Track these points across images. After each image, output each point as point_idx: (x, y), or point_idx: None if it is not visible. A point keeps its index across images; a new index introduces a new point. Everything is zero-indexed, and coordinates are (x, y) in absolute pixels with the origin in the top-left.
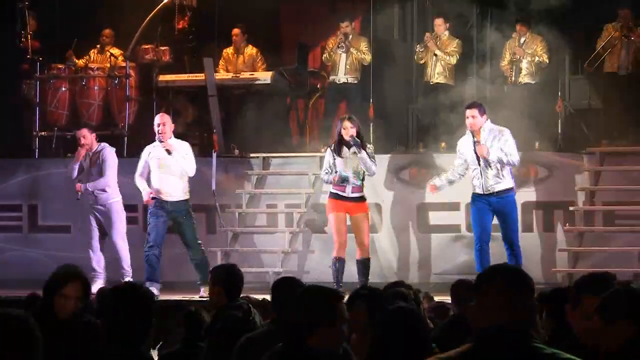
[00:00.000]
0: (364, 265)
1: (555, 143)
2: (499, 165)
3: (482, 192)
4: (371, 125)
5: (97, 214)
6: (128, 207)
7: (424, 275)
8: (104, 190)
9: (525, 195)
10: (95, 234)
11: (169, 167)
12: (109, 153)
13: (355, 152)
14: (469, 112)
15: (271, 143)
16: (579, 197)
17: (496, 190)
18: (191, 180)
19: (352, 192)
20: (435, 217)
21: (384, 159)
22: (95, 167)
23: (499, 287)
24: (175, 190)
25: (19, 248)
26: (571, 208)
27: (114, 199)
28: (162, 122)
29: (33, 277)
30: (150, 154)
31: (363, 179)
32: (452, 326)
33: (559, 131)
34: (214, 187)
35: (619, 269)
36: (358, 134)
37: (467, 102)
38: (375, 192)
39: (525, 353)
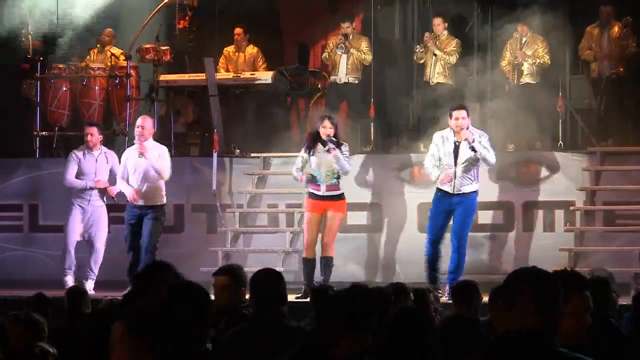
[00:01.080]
0: (325, 264)
1: (556, 143)
2: (472, 167)
3: (451, 192)
4: (372, 124)
5: (86, 213)
6: (120, 209)
7: (424, 275)
8: (98, 194)
9: (526, 194)
10: (78, 233)
11: (143, 170)
12: (112, 156)
13: (328, 150)
14: (458, 114)
15: (272, 143)
16: (579, 197)
17: (465, 191)
18: (192, 180)
19: (326, 191)
20: None
21: (384, 159)
22: (104, 168)
23: (531, 292)
24: (149, 196)
25: (20, 248)
26: (572, 208)
27: (103, 203)
28: (142, 124)
29: (34, 277)
30: (128, 158)
31: (339, 177)
32: (450, 325)
33: (560, 131)
34: (214, 187)
35: (619, 269)
36: (335, 134)
37: (454, 104)
38: (375, 192)
39: (549, 356)
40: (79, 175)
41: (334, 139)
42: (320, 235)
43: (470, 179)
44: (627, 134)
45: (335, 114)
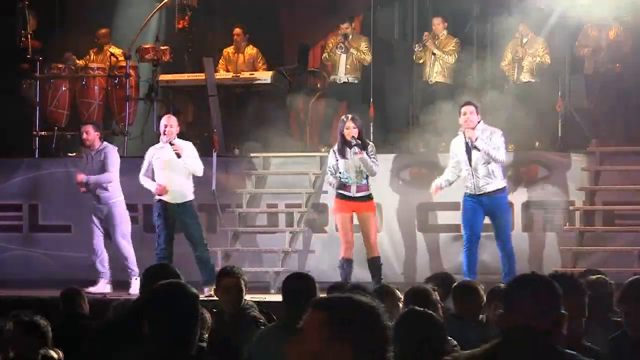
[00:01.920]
0: (373, 264)
1: (556, 142)
2: (488, 165)
3: (473, 193)
4: (371, 124)
5: (99, 213)
6: (128, 207)
7: (423, 274)
8: (106, 190)
9: (526, 194)
10: (98, 233)
11: (175, 168)
12: (112, 151)
13: (356, 153)
14: (465, 109)
15: (271, 143)
16: (579, 197)
17: (487, 190)
18: (192, 179)
19: (357, 192)
20: (436, 217)
21: (384, 159)
22: (98, 165)
23: (529, 295)
24: (180, 191)
25: (20, 248)
26: (571, 208)
27: (117, 198)
28: (169, 123)
29: (34, 277)
30: (155, 155)
31: (367, 178)
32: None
33: (559, 131)
34: (214, 187)
35: (619, 269)
36: (360, 134)
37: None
38: (375, 192)
39: (547, 352)
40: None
41: (359, 141)
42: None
43: (490, 177)
44: (626, 133)
45: (336, 114)
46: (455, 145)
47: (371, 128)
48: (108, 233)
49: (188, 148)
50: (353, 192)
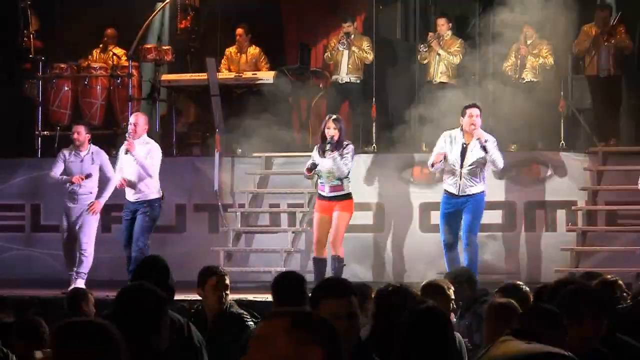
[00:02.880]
0: (334, 264)
1: (558, 143)
2: (477, 169)
3: (456, 193)
4: (373, 124)
5: (71, 213)
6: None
7: (425, 275)
8: (90, 193)
9: (528, 194)
10: (67, 235)
11: (133, 166)
12: (103, 154)
13: (326, 151)
14: (473, 112)
15: (273, 142)
16: (581, 197)
17: (471, 192)
18: (193, 179)
19: (330, 192)
20: (437, 217)
21: (386, 158)
22: (91, 167)
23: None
24: (135, 190)
25: (21, 248)
26: (573, 208)
27: (92, 200)
28: (135, 122)
29: (35, 277)
30: (120, 153)
31: (340, 178)
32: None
33: (562, 131)
34: (216, 187)
35: (621, 269)
36: (340, 135)
37: (468, 103)
38: (377, 192)
39: None
40: (66, 174)
41: (331, 140)
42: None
43: (476, 181)
44: (629, 134)
45: (337, 113)
46: (448, 140)
47: (373, 128)
48: (74, 231)
49: (150, 147)
50: (326, 192)
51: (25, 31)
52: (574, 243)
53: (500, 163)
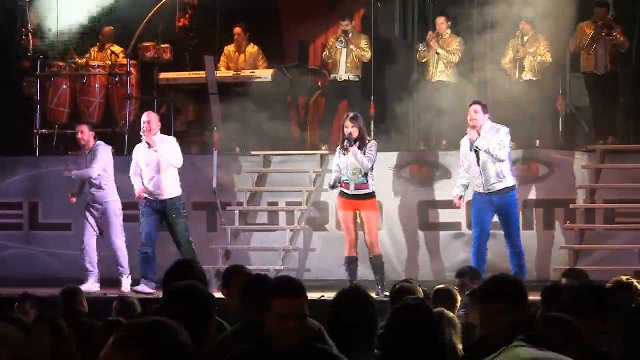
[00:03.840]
0: (374, 263)
1: (556, 141)
2: (496, 164)
3: (483, 192)
4: (372, 123)
5: (94, 212)
6: (130, 205)
7: (424, 273)
8: (101, 189)
9: (526, 193)
10: (91, 232)
11: (155, 163)
12: (102, 149)
13: (345, 147)
14: (472, 107)
15: (272, 141)
16: (579, 195)
17: (497, 189)
18: (192, 178)
19: (355, 190)
20: (436, 215)
21: (384, 157)
22: (90, 164)
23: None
24: (164, 187)
25: (20, 246)
26: (572, 206)
27: (111, 198)
28: (148, 120)
29: (34, 276)
30: (138, 153)
31: (366, 176)
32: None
33: (560, 129)
34: (215, 185)
35: (619, 267)
36: (360, 133)
37: (470, 100)
38: (376, 190)
39: None
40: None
41: (350, 137)
42: (362, 236)
43: (499, 177)
44: (627, 131)
45: (336, 112)
46: (464, 146)
47: (372, 126)
48: (102, 232)
49: (168, 141)
50: (352, 190)
51: (23, 30)
52: (573, 241)
53: (501, 156)
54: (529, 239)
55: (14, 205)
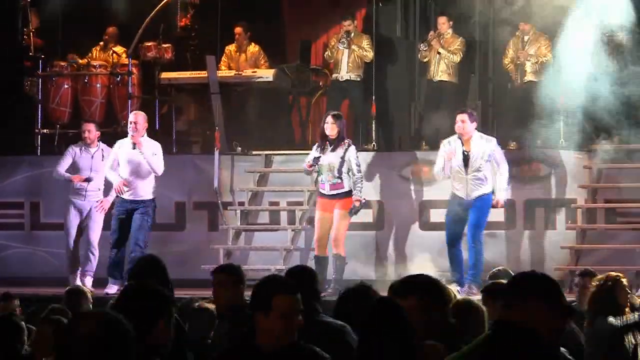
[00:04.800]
0: (337, 263)
1: (558, 140)
2: (480, 172)
3: (464, 197)
4: (373, 122)
5: (79, 210)
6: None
7: (425, 272)
8: (98, 190)
9: (528, 192)
10: (74, 231)
11: (136, 163)
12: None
13: (333, 151)
14: (459, 117)
15: (273, 140)
16: (581, 195)
17: (477, 195)
18: (193, 177)
19: (330, 190)
20: (437, 215)
21: (386, 157)
22: (100, 164)
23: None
24: (140, 189)
25: (21, 245)
26: (573, 205)
27: (100, 197)
28: (135, 120)
29: (35, 275)
30: (120, 148)
31: (340, 176)
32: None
33: (561, 128)
34: (216, 185)
35: (621, 267)
36: (339, 132)
37: (471, 100)
38: (376, 190)
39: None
40: (75, 170)
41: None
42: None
43: (482, 183)
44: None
45: (338, 111)
46: (448, 149)
47: (373, 126)
48: (81, 229)
49: (153, 146)
50: (327, 190)
51: (25, 29)
52: (574, 241)
53: (506, 171)
54: (530, 238)
55: (15, 205)
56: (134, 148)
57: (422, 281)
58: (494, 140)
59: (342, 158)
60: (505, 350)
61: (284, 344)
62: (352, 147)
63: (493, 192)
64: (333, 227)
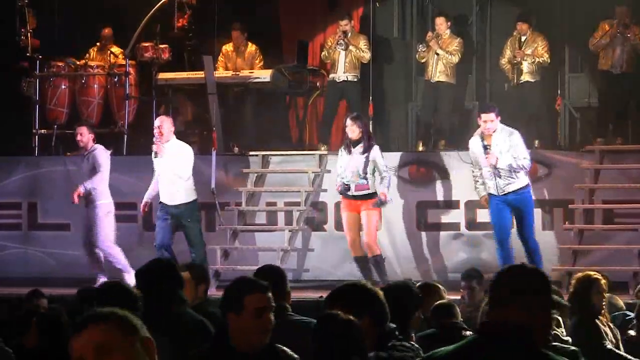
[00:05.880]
0: (373, 262)
1: (555, 141)
2: (511, 166)
3: (497, 193)
4: (370, 123)
5: (86, 215)
6: (127, 206)
7: (423, 273)
8: (95, 189)
9: None
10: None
11: (163, 171)
12: (100, 152)
13: (360, 153)
14: (486, 117)
15: (271, 141)
16: (578, 196)
17: (511, 190)
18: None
19: (355, 191)
20: (435, 216)
21: (383, 157)
22: (88, 167)
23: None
24: (173, 193)
25: (19, 246)
26: (571, 206)
27: (100, 201)
28: (160, 124)
29: (32, 275)
30: (153, 157)
31: (365, 177)
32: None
33: (559, 129)
34: (213, 185)
35: (618, 268)
36: (362, 134)
37: (469, 100)
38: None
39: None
40: (81, 177)
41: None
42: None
43: (512, 177)
44: (626, 131)
45: (334, 112)
46: (474, 147)
47: (370, 126)
48: (89, 233)
49: (178, 149)
50: (352, 191)
51: (22, 29)
52: (571, 242)
53: (526, 164)
54: None
55: (13, 205)
56: (155, 157)
57: (353, 293)
58: (516, 133)
59: (367, 158)
60: (504, 350)
61: (258, 342)
62: (376, 147)
63: (530, 186)
64: (364, 229)
